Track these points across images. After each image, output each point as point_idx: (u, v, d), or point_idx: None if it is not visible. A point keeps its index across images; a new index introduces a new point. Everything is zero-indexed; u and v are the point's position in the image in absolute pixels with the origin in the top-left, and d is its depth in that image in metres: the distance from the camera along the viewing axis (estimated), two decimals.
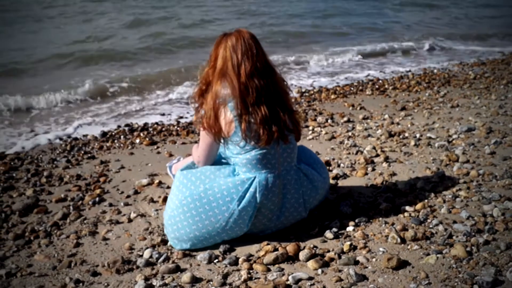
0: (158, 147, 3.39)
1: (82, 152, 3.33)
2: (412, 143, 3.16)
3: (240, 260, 1.84)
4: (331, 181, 2.57)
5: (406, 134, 3.39)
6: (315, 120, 3.92)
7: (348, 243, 1.90)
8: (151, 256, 1.88)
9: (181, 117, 4.29)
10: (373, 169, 2.76)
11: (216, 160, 2.04)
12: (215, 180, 1.91)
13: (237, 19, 10.61)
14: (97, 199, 2.48)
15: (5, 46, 6.98)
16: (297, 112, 2.01)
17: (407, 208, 2.19)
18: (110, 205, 2.43)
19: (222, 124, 1.84)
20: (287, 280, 1.69)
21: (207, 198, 1.87)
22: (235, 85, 1.80)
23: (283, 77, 1.95)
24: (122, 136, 3.70)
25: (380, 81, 5.59)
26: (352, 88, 5.20)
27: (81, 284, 1.73)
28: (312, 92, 5.11)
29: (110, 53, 6.86)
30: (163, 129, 3.88)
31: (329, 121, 3.88)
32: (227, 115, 1.83)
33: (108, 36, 8.20)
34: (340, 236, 2.00)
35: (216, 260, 1.86)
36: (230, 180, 1.89)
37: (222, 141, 1.92)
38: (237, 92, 1.79)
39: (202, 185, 1.90)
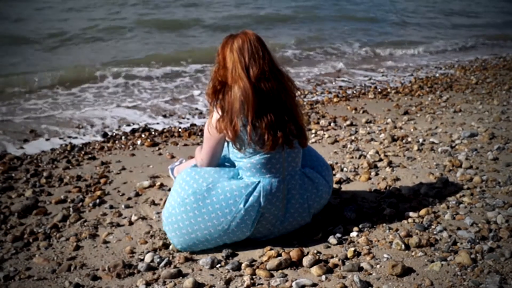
0: (159, 149, 3.37)
1: (83, 152, 3.31)
2: (415, 147, 3.14)
3: (243, 265, 1.81)
4: (335, 186, 2.55)
5: (409, 139, 3.37)
6: (317, 123, 3.90)
7: (352, 249, 1.88)
8: (152, 260, 1.86)
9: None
10: (377, 174, 2.74)
11: (219, 163, 2.01)
12: (218, 180, 1.88)
13: None
14: (97, 201, 2.45)
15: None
16: (302, 116, 1.98)
17: (411, 214, 2.17)
18: (111, 207, 2.40)
19: (236, 127, 1.80)
20: (291, 286, 1.67)
21: (210, 198, 1.84)
22: (246, 89, 1.77)
23: (290, 78, 1.92)
24: (123, 137, 3.68)
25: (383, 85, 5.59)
26: (354, 91, 5.20)
27: None
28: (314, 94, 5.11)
29: None
30: (165, 130, 3.86)
31: (332, 124, 3.86)
32: (238, 119, 1.80)
33: None
34: (344, 241, 1.98)
35: (219, 265, 1.84)
36: (234, 182, 1.87)
37: (229, 144, 1.90)
38: (249, 93, 1.77)
39: (205, 183, 1.86)
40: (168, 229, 1.93)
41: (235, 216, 1.83)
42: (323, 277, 1.72)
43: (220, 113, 1.82)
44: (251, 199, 1.84)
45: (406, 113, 4.17)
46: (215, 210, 1.83)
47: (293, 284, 1.67)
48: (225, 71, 1.83)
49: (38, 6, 9.98)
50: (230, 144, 1.89)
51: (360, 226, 2.07)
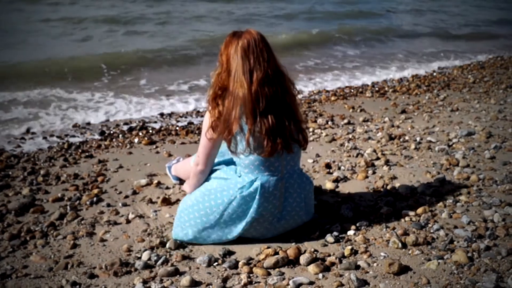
0: (157, 147, 3.36)
1: (80, 150, 3.30)
2: (413, 146, 3.15)
3: (240, 263, 1.82)
4: (332, 184, 2.56)
5: (407, 137, 3.38)
6: (315, 121, 3.90)
7: (349, 247, 1.88)
8: (149, 259, 1.86)
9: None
10: (374, 172, 2.75)
11: (220, 162, 2.05)
12: (220, 174, 1.98)
13: None
14: (94, 199, 2.44)
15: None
16: (305, 120, 2.00)
17: (408, 212, 2.18)
18: (108, 205, 2.40)
19: (231, 132, 1.80)
20: (288, 284, 1.67)
21: (211, 185, 1.95)
22: (246, 93, 1.75)
23: (291, 79, 1.90)
24: (120, 135, 3.67)
25: (380, 83, 5.59)
26: (352, 90, 5.20)
27: (78, 286, 1.70)
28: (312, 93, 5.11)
29: None
30: (162, 128, 3.85)
31: (329, 123, 3.87)
32: (236, 124, 1.79)
33: None
34: (341, 240, 1.98)
35: (216, 263, 1.84)
36: (233, 180, 1.89)
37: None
38: (248, 100, 1.75)
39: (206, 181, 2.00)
40: (176, 224, 2.00)
41: (232, 200, 1.87)
42: (320, 275, 1.72)
43: (216, 116, 1.81)
44: (248, 193, 1.86)
45: (403, 111, 4.17)
46: (216, 191, 1.90)
47: (290, 282, 1.67)
48: (228, 75, 1.81)
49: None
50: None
51: (357, 224, 2.08)
